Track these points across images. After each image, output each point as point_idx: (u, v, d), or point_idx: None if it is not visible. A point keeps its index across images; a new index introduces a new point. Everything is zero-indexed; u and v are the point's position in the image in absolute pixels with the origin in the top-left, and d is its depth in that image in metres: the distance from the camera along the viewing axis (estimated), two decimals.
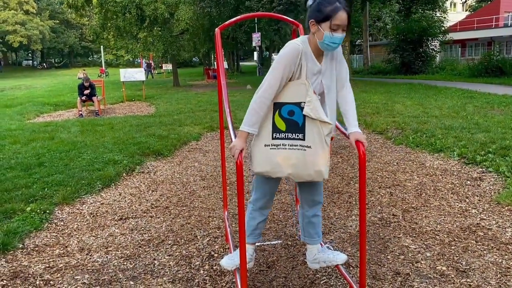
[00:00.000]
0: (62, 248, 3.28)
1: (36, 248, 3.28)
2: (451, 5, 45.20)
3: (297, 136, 2.15)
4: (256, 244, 2.56)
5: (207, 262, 2.99)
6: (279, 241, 3.28)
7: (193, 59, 56.11)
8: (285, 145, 2.16)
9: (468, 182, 4.58)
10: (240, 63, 46.11)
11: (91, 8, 22.42)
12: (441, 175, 4.87)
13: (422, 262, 2.89)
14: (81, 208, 4.16)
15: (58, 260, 3.08)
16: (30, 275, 2.87)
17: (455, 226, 3.48)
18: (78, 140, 7.09)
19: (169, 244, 3.30)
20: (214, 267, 2.91)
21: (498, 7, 32.18)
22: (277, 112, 2.17)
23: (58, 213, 4.01)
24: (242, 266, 2.10)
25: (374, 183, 4.68)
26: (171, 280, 2.77)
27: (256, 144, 2.22)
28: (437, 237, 3.28)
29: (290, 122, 2.16)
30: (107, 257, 3.12)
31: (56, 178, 4.85)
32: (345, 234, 3.39)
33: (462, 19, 36.92)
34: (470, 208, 3.84)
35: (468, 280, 2.65)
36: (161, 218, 3.88)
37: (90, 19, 40.04)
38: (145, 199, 4.41)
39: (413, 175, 4.93)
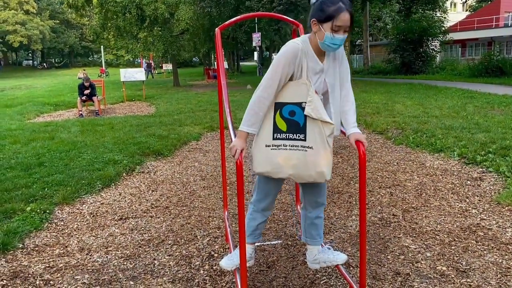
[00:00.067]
0: (62, 248, 3.28)
1: (36, 248, 3.28)
2: (451, 5, 45.23)
3: (298, 136, 2.14)
4: (256, 244, 2.56)
5: (207, 262, 2.99)
6: (279, 241, 3.28)
7: (193, 59, 56.16)
8: (286, 145, 2.14)
9: (468, 182, 4.58)
10: (240, 63, 46.12)
11: (91, 8, 22.45)
12: (441, 175, 4.87)
13: (422, 262, 2.89)
14: (81, 208, 4.16)
15: (58, 260, 3.08)
16: (30, 275, 2.87)
17: (455, 226, 3.47)
18: (78, 140, 7.09)
19: (169, 244, 3.30)
20: (214, 267, 2.90)
21: (499, 7, 32.21)
22: (278, 112, 2.16)
23: (58, 213, 4.01)
24: (242, 266, 2.10)
25: (374, 183, 4.68)
26: (171, 280, 2.77)
27: (256, 144, 2.21)
28: (437, 237, 3.28)
29: (291, 122, 2.15)
30: (107, 257, 3.12)
31: (56, 178, 4.85)
32: (345, 234, 3.39)
33: (462, 19, 36.96)
34: (470, 208, 3.84)
35: (468, 280, 2.65)
36: (161, 218, 3.87)
37: (90, 19, 40.05)
38: (145, 199, 4.41)
39: (413, 175, 4.92)
